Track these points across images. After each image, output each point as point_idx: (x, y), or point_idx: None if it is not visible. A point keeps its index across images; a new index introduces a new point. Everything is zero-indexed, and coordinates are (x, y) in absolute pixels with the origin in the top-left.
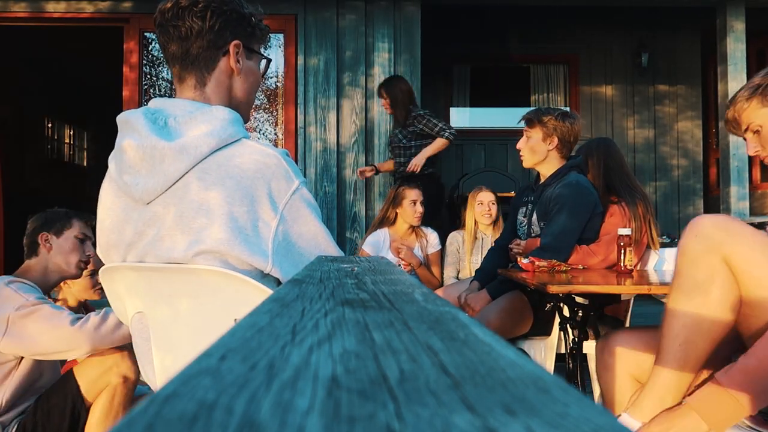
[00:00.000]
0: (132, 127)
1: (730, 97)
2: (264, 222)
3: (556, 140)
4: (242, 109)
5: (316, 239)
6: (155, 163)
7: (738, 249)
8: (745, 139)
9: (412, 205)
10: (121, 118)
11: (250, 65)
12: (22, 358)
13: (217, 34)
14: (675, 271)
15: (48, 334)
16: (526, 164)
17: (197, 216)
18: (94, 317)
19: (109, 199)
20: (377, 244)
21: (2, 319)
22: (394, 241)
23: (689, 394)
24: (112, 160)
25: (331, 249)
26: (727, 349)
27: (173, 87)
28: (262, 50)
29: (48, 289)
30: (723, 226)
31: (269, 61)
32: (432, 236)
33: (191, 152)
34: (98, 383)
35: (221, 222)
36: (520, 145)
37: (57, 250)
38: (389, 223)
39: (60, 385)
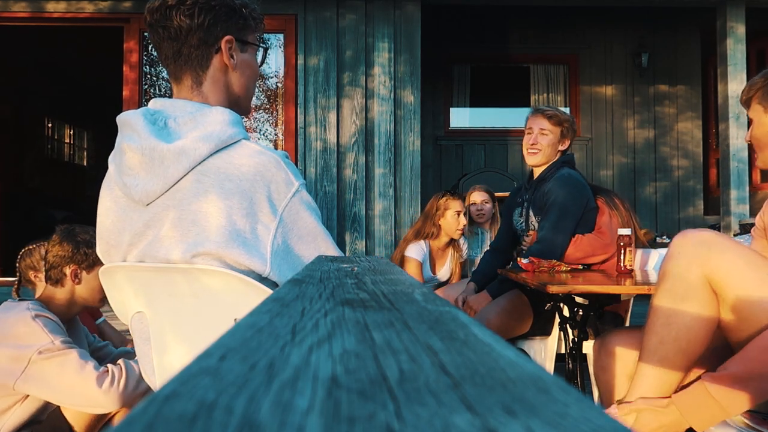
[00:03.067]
0: (132, 128)
1: (756, 76)
2: (263, 225)
3: (568, 143)
4: (242, 102)
5: (316, 241)
6: (154, 165)
7: (720, 265)
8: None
9: (456, 216)
10: (120, 119)
11: (246, 58)
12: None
13: (208, 32)
14: (656, 287)
15: (70, 386)
16: (537, 161)
17: (196, 218)
18: (118, 375)
19: (109, 199)
20: (424, 256)
21: (22, 358)
22: (433, 253)
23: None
24: (112, 161)
25: (331, 251)
26: (715, 356)
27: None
28: (257, 39)
29: (69, 318)
30: (705, 242)
31: (266, 49)
32: (464, 248)
33: (190, 154)
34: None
35: (219, 225)
36: (536, 140)
37: (85, 286)
38: (431, 236)
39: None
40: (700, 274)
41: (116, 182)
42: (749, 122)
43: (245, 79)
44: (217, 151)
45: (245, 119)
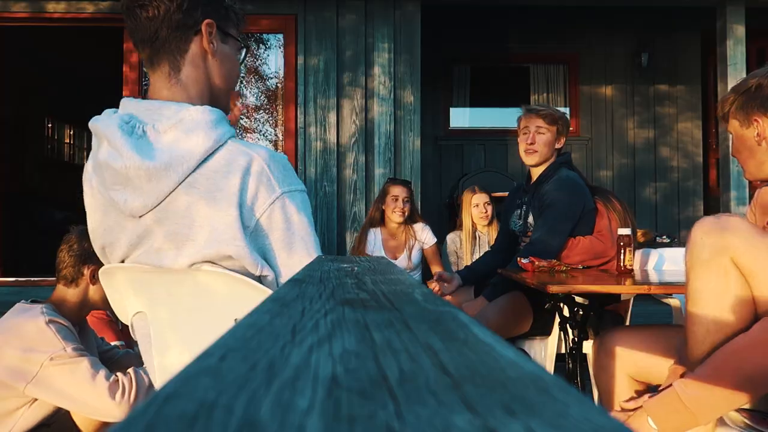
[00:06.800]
0: (109, 142)
1: (723, 96)
2: (249, 229)
3: (563, 140)
4: (222, 97)
5: (293, 247)
6: (142, 182)
7: (744, 249)
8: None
9: (393, 200)
10: (94, 129)
11: (226, 50)
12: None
13: (186, 14)
14: (687, 276)
15: (81, 394)
16: (534, 161)
17: (190, 232)
18: (128, 386)
19: (98, 211)
20: (369, 243)
21: (34, 363)
22: (386, 240)
23: (651, 395)
24: (94, 173)
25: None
26: None
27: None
28: (238, 35)
29: (79, 321)
30: (728, 226)
31: (248, 48)
32: (423, 233)
33: (178, 169)
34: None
35: (212, 233)
36: (534, 140)
37: (99, 288)
38: (378, 222)
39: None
40: (728, 257)
41: (103, 195)
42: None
43: (226, 71)
44: (205, 159)
45: (243, 119)
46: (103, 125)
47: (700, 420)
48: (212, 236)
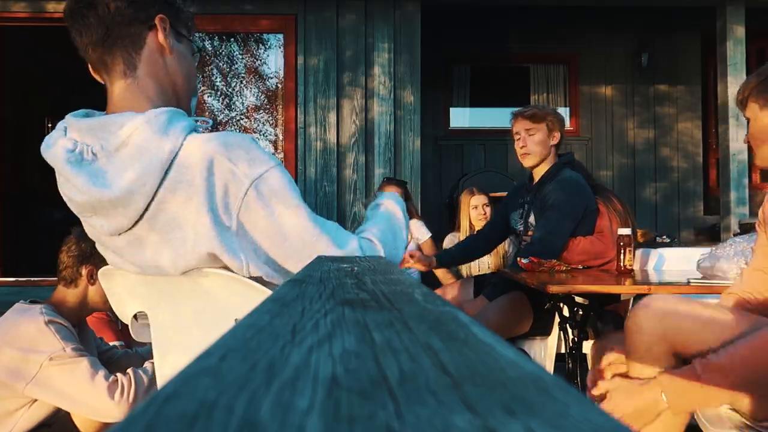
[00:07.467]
0: (62, 174)
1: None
2: (230, 231)
3: (558, 135)
4: (184, 97)
5: (292, 237)
6: (109, 212)
7: (681, 332)
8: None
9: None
10: (47, 158)
11: (181, 50)
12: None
13: (138, 8)
14: (626, 356)
15: (80, 394)
16: (531, 162)
17: (178, 236)
18: (127, 386)
19: (83, 226)
20: None
21: (34, 363)
22: None
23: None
24: (64, 196)
25: (323, 243)
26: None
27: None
28: (190, 37)
29: (79, 321)
30: (666, 314)
31: (201, 53)
32: (417, 230)
33: (142, 190)
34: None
35: (193, 237)
36: (525, 143)
37: (98, 288)
38: None
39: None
40: (666, 346)
41: (80, 217)
42: (748, 123)
43: (184, 70)
44: (167, 170)
45: (244, 119)
46: (52, 159)
47: (710, 401)
48: (195, 241)
